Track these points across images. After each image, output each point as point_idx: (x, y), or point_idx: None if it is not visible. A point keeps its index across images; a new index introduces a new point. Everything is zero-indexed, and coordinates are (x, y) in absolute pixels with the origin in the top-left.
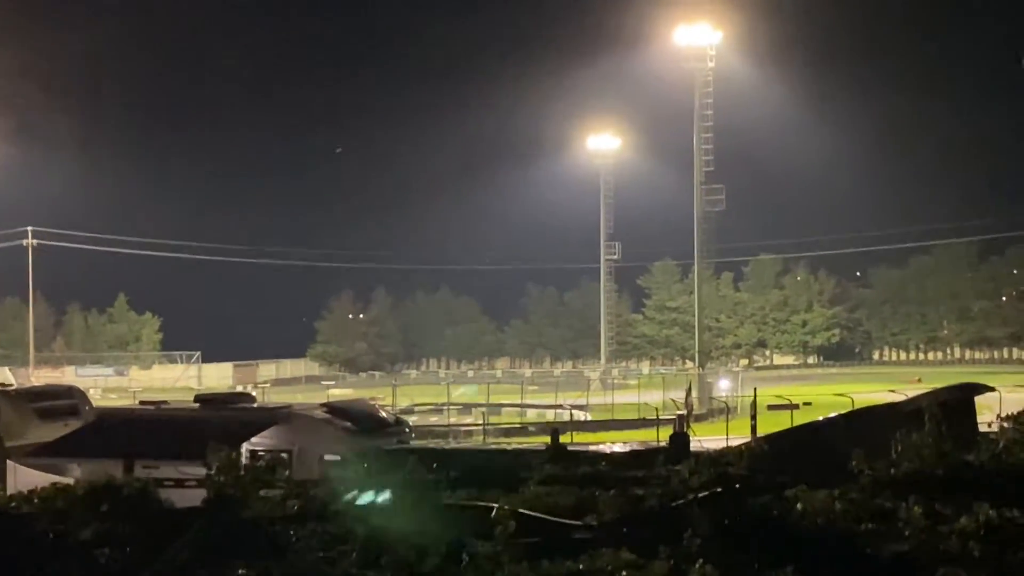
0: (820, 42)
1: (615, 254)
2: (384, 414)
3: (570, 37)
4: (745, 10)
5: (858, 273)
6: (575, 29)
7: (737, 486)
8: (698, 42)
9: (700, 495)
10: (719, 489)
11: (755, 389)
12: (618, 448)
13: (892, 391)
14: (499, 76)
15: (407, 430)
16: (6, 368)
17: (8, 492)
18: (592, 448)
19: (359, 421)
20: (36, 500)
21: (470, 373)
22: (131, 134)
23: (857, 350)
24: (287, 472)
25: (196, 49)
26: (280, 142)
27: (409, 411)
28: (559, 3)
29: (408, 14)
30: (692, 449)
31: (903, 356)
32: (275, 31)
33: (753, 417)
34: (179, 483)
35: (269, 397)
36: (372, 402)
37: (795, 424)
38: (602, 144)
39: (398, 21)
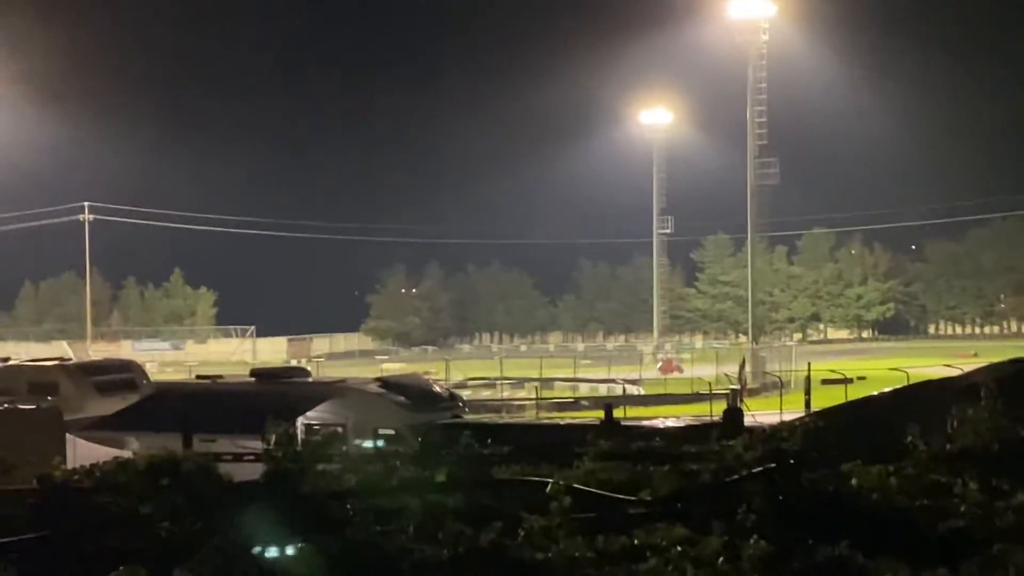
0: (876, 13)
1: (668, 228)
2: (438, 388)
3: (623, 10)
4: None
5: (913, 246)
6: (629, 2)
7: (792, 461)
8: (752, 15)
9: (754, 470)
10: (773, 464)
11: (809, 364)
12: (671, 423)
13: (947, 365)
14: (552, 50)
15: (460, 404)
16: (64, 342)
17: (68, 465)
18: (645, 423)
19: (413, 395)
20: (98, 474)
21: (523, 347)
22: (187, 109)
23: (912, 324)
24: (343, 447)
25: (249, 24)
26: (334, 116)
27: (462, 385)
28: None
29: None
30: (746, 424)
31: (959, 330)
32: (330, 5)
33: (807, 392)
34: (237, 457)
35: (323, 371)
36: (425, 376)
37: (849, 399)
38: (655, 118)
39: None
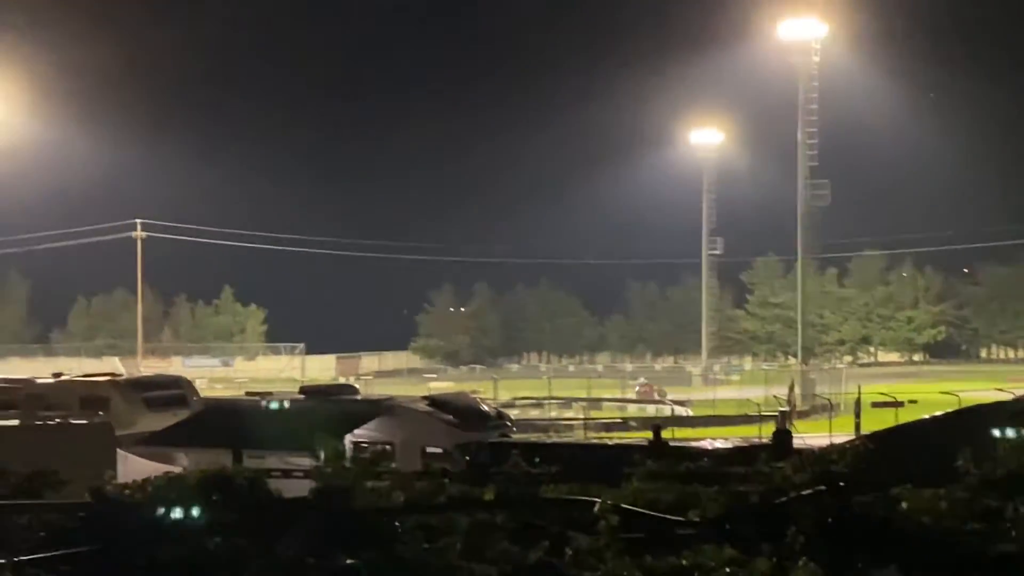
0: (928, 35)
1: (717, 249)
2: (486, 407)
3: (673, 31)
4: (852, 3)
5: (965, 269)
6: (678, 23)
7: (841, 484)
8: (803, 36)
9: (803, 492)
10: (823, 487)
11: (859, 387)
12: (720, 444)
13: (999, 389)
14: (603, 71)
15: (508, 424)
16: (116, 358)
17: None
18: (694, 444)
19: (461, 414)
20: (149, 488)
21: (571, 367)
22: (240, 126)
23: (964, 348)
24: (391, 464)
25: (300, 42)
26: (385, 135)
27: (510, 405)
28: None
29: (513, 13)
30: (795, 446)
31: (1011, 354)
32: (381, 25)
33: (857, 415)
34: (286, 473)
35: (371, 389)
36: (473, 395)
37: (900, 422)
38: (705, 139)
39: (501, 20)
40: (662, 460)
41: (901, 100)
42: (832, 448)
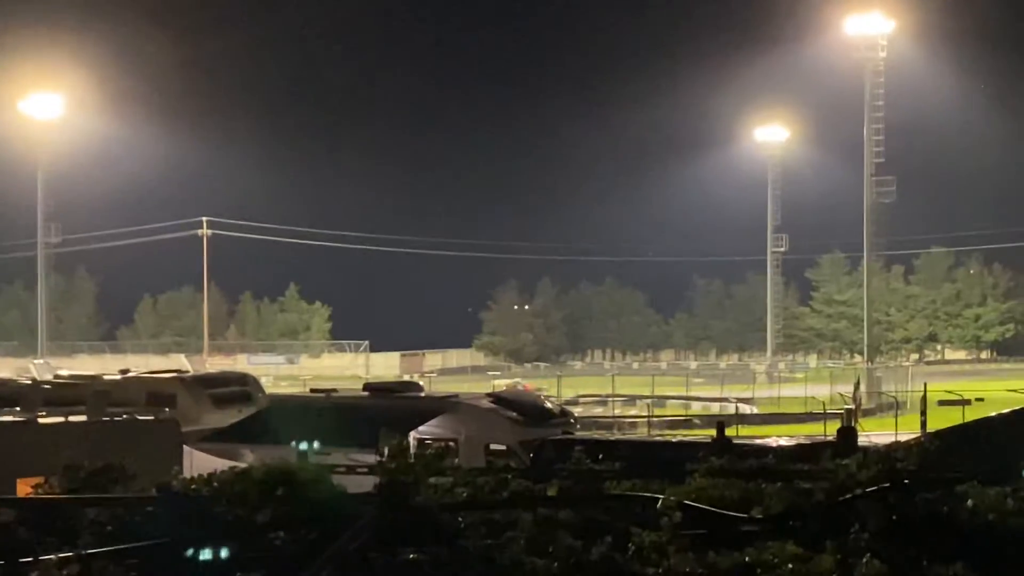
0: (996, 29)
1: (782, 246)
2: (549, 404)
3: (739, 28)
4: None
5: None
6: (744, 20)
7: (906, 481)
8: (869, 31)
9: (868, 490)
10: (887, 484)
11: (925, 384)
12: (784, 442)
13: None
14: (668, 68)
15: (572, 421)
16: (182, 355)
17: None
18: (758, 441)
19: (525, 411)
20: (215, 483)
21: (635, 365)
22: (302, 124)
23: None
24: (455, 460)
25: (367, 40)
26: (449, 133)
27: (574, 402)
28: None
29: (578, 11)
30: (860, 444)
31: None
32: (448, 31)
33: (923, 413)
34: (350, 470)
35: (435, 387)
36: (537, 392)
37: (967, 420)
38: (770, 135)
39: (567, 18)
40: (726, 457)
41: (968, 95)
42: (897, 445)
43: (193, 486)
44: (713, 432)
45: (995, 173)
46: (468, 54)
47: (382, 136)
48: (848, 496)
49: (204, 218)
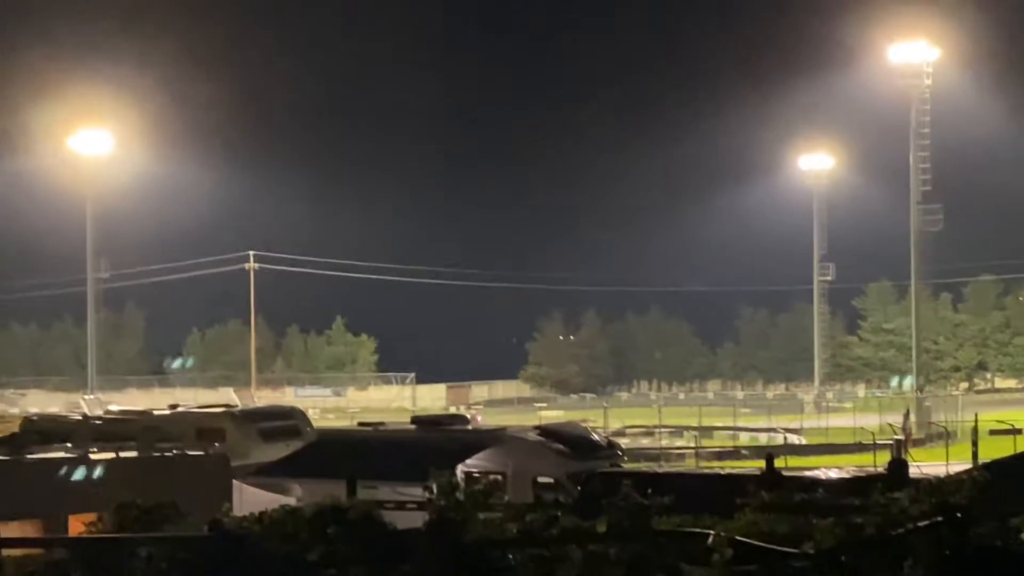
0: None
1: (829, 275)
2: (596, 437)
3: (782, 57)
4: (964, 26)
5: None
6: (787, 48)
7: (959, 515)
8: (914, 59)
9: (920, 524)
10: (940, 518)
11: (976, 415)
12: (834, 474)
13: None
14: (712, 96)
15: (619, 453)
16: (231, 390)
17: (234, 510)
18: (807, 473)
19: (572, 444)
20: (266, 521)
21: (681, 395)
22: (348, 158)
23: None
24: (504, 495)
25: (412, 73)
26: (494, 164)
27: (620, 433)
28: (770, 23)
29: (619, 42)
30: (911, 476)
31: None
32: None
33: (974, 443)
34: (399, 505)
35: (482, 419)
36: (584, 424)
37: (1019, 450)
38: (815, 164)
39: (612, 52)
40: (776, 491)
41: (1015, 121)
42: (949, 478)
43: (244, 524)
44: (762, 463)
45: None
46: (511, 88)
47: (427, 169)
48: (900, 531)
49: (251, 252)
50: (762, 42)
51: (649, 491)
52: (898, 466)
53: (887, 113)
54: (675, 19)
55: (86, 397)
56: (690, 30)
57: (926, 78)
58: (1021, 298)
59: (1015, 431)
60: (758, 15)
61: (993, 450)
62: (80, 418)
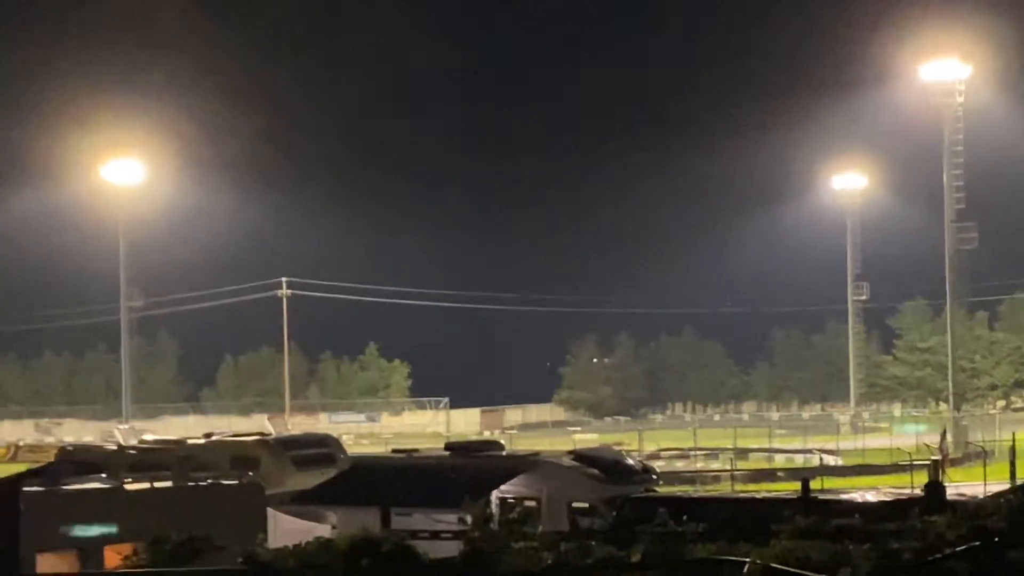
0: None
1: (863, 294)
2: (631, 461)
3: (814, 76)
4: (996, 43)
5: None
6: (819, 68)
7: (996, 539)
8: (946, 77)
9: (958, 549)
10: (977, 543)
11: (1014, 434)
12: (871, 497)
13: None
14: (744, 116)
15: (654, 477)
16: (265, 416)
17: (269, 539)
18: (844, 497)
19: (606, 469)
20: (300, 554)
21: (716, 417)
22: (379, 183)
23: None
24: (538, 526)
25: (436, 101)
26: (525, 187)
27: (655, 456)
28: (802, 42)
29: (651, 64)
30: (949, 496)
31: None
32: (520, 88)
33: (1012, 463)
34: (434, 535)
35: (516, 443)
36: (618, 448)
37: None
38: (848, 183)
39: (640, 71)
40: (812, 516)
41: None
42: (986, 502)
43: (278, 556)
44: (798, 485)
45: None
46: (544, 111)
47: (460, 193)
48: (937, 556)
49: (284, 279)
50: (794, 62)
51: (684, 517)
52: (935, 489)
53: (920, 131)
54: (707, 41)
55: (120, 427)
56: (723, 51)
57: (958, 96)
58: None
59: None
60: (789, 35)
61: None
62: (115, 448)
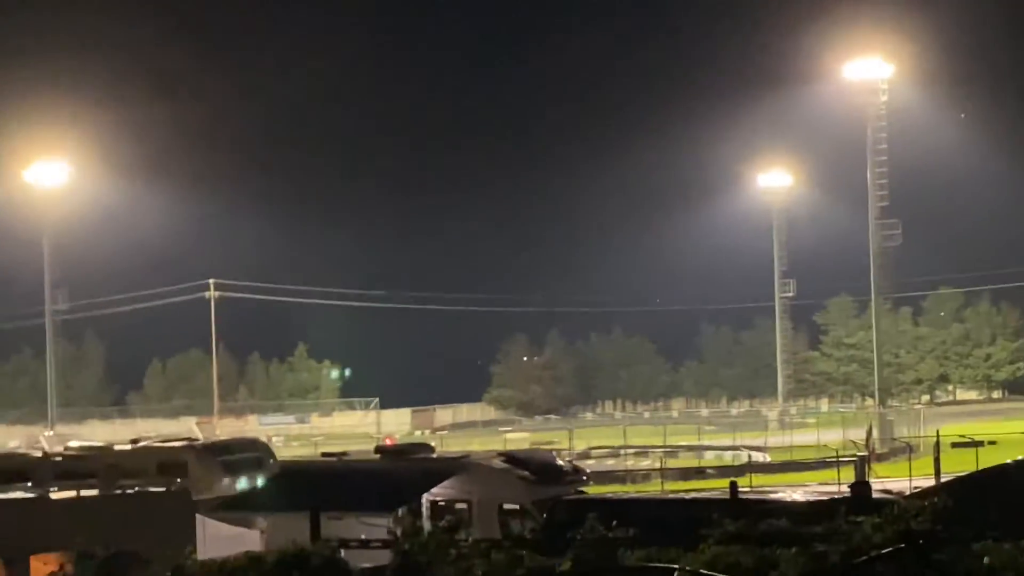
0: (996, 70)
1: (790, 291)
2: (561, 462)
3: (739, 74)
4: (918, 42)
5: None
6: (744, 66)
7: (921, 541)
8: (869, 76)
9: (883, 551)
10: (903, 545)
11: (938, 432)
12: (798, 497)
13: None
14: (668, 116)
15: (584, 477)
16: (193, 420)
17: (198, 545)
18: (771, 496)
19: (537, 470)
20: (228, 568)
21: (646, 414)
22: (305, 183)
23: None
24: (468, 533)
25: (371, 100)
26: (454, 188)
27: (586, 455)
28: (727, 41)
29: (573, 59)
30: (875, 493)
31: None
32: (443, 88)
33: (936, 460)
34: (364, 544)
35: (448, 444)
36: (548, 450)
37: (981, 464)
38: (774, 181)
39: (567, 71)
40: (740, 519)
41: (971, 136)
42: (911, 505)
43: (207, 571)
44: (727, 483)
45: (1000, 212)
46: (468, 109)
47: (386, 192)
48: (863, 558)
49: (211, 280)
50: (720, 61)
51: (614, 521)
52: (861, 489)
53: (844, 129)
54: (632, 41)
55: (46, 434)
56: (646, 51)
57: (881, 94)
58: (980, 310)
59: (977, 443)
60: (715, 34)
61: (955, 463)
62: (40, 455)
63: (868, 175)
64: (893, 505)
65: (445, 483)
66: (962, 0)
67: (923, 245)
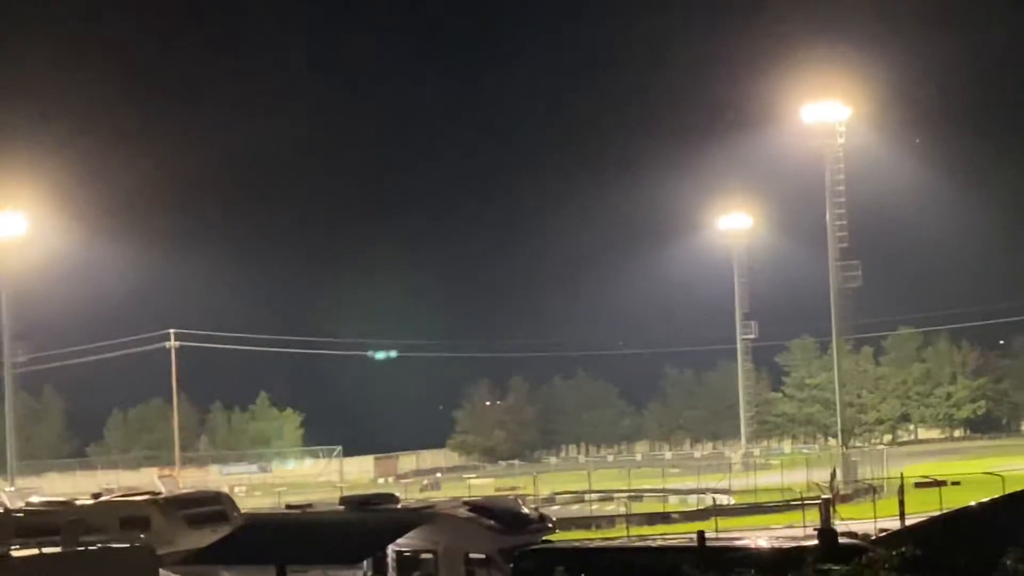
0: (952, 114)
1: (752, 333)
2: (527, 510)
3: (698, 118)
4: (875, 85)
5: (1001, 342)
6: (703, 109)
7: None
8: (827, 119)
9: None
10: None
11: (902, 474)
12: (763, 543)
13: None
14: (628, 160)
15: (550, 525)
16: (155, 472)
17: None
18: (737, 543)
19: (502, 519)
20: None
21: (609, 457)
22: (267, 235)
23: (1004, 421)
24: None
25: (329, 147)
26: (415, 235)
27: (551, 500)
28: (687, 84)
29: (533, 108)
30: (841, 540)
31: None
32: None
33: (901, 503)
34: None
35: (413, 492)
36: (514, 497)
37: (944, 506)
38: (734, 223)
39: (520, 116)
40: (709, 572)
41: (928, 178)
42: (880, 556)
43: None
44: (692, 527)
45: (959, 253)
46: (430, 158)
47: (346, 241)
48: None
49: (171, 330)
50: (679, 104)
51: (582, 574)
52: (827, 535)
53: (803, 172)
54: (592, 83)
55: (7, 490)
56: (607, 95)
57: (839, 137)
58: (940, 349)
59: (939, 483)
60: (675, 77)
61: (919, 504)
62: (1, 512)
63: (827, 216)
64: (862, 554)
65: (411, 533)
66: (918, 44)
67: (883, 286)
